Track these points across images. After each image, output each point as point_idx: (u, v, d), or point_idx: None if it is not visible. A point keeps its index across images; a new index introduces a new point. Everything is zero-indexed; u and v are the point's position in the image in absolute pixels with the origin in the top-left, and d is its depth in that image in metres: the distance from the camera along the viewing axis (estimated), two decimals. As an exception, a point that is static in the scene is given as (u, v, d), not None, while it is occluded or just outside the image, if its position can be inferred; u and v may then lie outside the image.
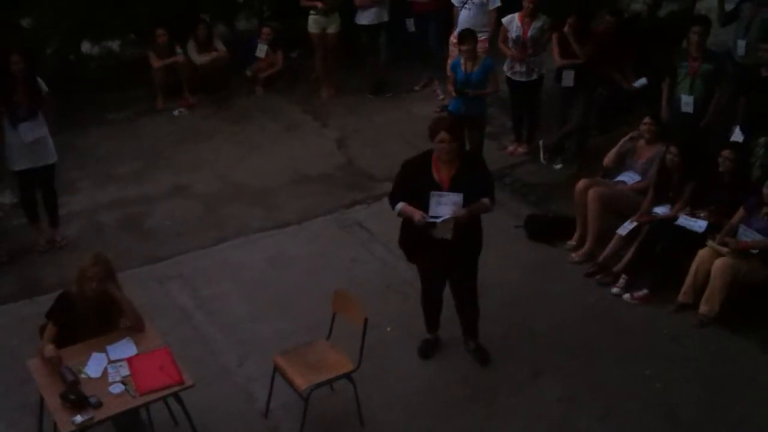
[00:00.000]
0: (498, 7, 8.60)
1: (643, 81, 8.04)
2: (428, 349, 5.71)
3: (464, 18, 8.74)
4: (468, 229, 5.07)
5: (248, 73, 9.87)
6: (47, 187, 6.86)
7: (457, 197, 4.92)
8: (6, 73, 6.32)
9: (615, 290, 6.28)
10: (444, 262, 5.25)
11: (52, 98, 6.64)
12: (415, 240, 5.20)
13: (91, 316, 4.64)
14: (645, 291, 6.20)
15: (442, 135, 4.88)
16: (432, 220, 4.94)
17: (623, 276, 6.29)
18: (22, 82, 6.37)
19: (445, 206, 4.94)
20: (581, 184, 6.78)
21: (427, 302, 5.63)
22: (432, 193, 4.94)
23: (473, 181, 4.99)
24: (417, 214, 4.96)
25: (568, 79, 7.77)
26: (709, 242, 5.97)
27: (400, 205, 5.08)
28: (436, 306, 5.63)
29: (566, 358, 5.66)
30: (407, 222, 5.15)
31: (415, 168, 5.10)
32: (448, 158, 4.96)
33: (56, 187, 6.93)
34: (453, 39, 8.94)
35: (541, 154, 8.12)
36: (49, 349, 4.47)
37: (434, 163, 5.03)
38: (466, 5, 8.73)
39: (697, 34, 6.96)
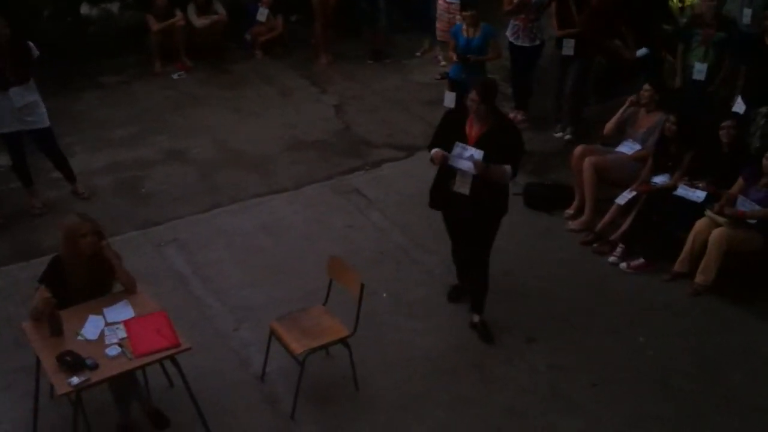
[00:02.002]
0: None
1: (644, 50, 7.97)
2: (456, 294, 5.87)
3: None
4: (487, 191, 5.15)
5: (247, 37, 9.79)
6: (51, 151, 6.88)
7: (477, 153, 5.04)
8: None
9: (612, 259, 6.29)
10: (460, 219, 5.39)
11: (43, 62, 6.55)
12: (439, 189, 5.39)
13: (83, 278, 4.63)
14: (641, 260, 6.21)
15: (472, 94, 5.08)
16: (451, 162, 5.10)
17: (620, 245, 6.30)
18: (9, 47, 6.30)
19: (465, 160, 5.08)
20: (578, 150, 6.78)
21: (454, 255, 5.76)
22: (456, 143, 5.11)
23: (499, 145, 5.08)
24: (439, 154, 5.17)
25: (569, 47, 7.71)
26: (708, 212, 5.96)
27: (433, 151, 5.27)
28: (460, 261, 5.75)
29: (559, 326, 5.69)
30: (438, 170, 5.34)
31: (453, 120, 5.32)
32: (478, 117, 5.12)
33: (60, 148, 6.96)
34: (441, 2, 8.86)
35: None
36: (42, 290, 4.45)
37: (470, 119, 5.20)
38: None
39: (712, 1, 6.98)
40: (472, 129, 5.17)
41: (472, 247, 5.48)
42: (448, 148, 5.14)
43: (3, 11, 6.44)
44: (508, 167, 5.11)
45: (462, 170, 5.12)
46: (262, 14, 9.67)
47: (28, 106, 6.49)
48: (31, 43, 6.48)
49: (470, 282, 5.66)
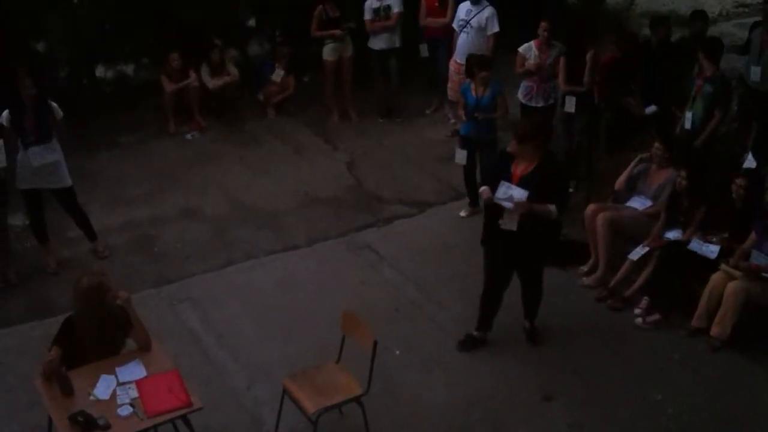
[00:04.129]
0: (496, 33, 8.65)
1: (652, 108, 8.04)
2: (469, 344, 5.88)
3: (463, 42, 8.78)
4: (533, 227, 5.24)
5: (260, 97, 9.94)
6: (72, 209, 6.96)
7: (520, 192, 5.15)
8: (18, 97, 6.37)
9: (637, 311, 6.24)
10: (507, 254, 5.52)
11: (63, 123, 6.69)
12: (488, 227, 5.49)
13: (95, 337, 4.64)
14: (656, 315, 6.16)
15: (512, 138, 5.27)
16: (496, 200, 5.25)
17: (645, 298, 6.25)
18: (33, 107, 6.42)
19: (507, 200, 5.19)
20: (590, 208, 6.77)
21: (485, 297, 5.78)
22: (502, 182, 5.24)
23: (543, 184, 5.17)
24: (486, 193, 5.33)
25: (570, 105, 7.78)
26: (723, 266, 5.94)
27: (482, 189, 5.44)
28: (492, 304, 5.78)
29: (577, 383, 5.62)
30: (487, 208, 5.49)
31: (504, 159, 5.46)
32: (522, 156, 5.26)
33: (81, 206, 7.06)
34: (452, 63, 8.98)
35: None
36: (53, 351, 4.47)
37: (517, 157, 5.33)
38: (464, 29, 8.78)
39: (702, 56, 7.09)
40: (518, 167, 5.30)
41: (526, 268, 5.63)
42: (497, 185, 5.29)
43: (30, 72, 6.57)
44: (552, 206, 5.20)
45: (508, 208, 5.23)
46: (278, 75, 9.81)
47: (50, 165, 6.57)
48: (55, 104, 6.59)
49: (524, 292, 5.81)
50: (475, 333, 5.88)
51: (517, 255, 5.50)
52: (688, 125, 7.18)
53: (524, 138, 5.22)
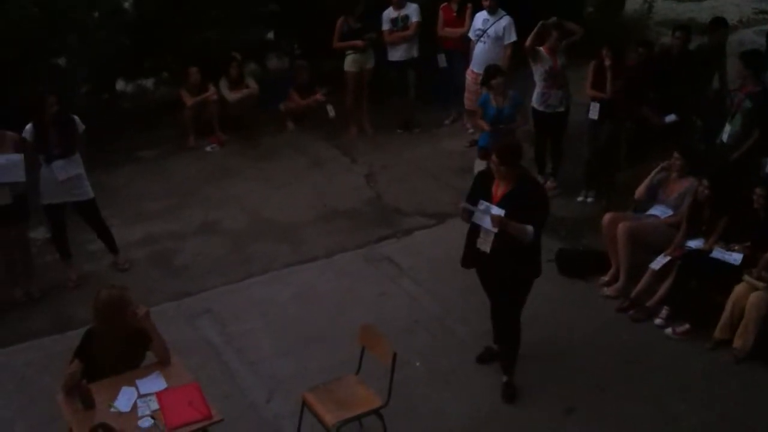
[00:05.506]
0: (513, 42, 8.63)
1: (672, 117, 7.99)
2: (487, 356, 5.85)
3: (479, 52, 8.79)
4: (508, 250, 5.13)
5: (281, 107, 9.96)
6: (94, 222, 7.03)
7: (496, 210, 5.07)
8: (41, 113, 6.45)
9: (658, 321, 6.20)
10: (486, 277, 5.47)
11: (84, 136, 6.77)
12: (469, 248, 5.42)
13: (116, 350, 4.66)
14: (687, 326, 6.10)
15: (493, 156, 5.18)
16: (471, 208, 5.19)
17: (665, 308, 6.20)
18: (56, 123, 6.50)
19: (486, 217, 5.12)
20: (607, 218, 6.74)
21: (492, 313, 5.68)
22: (481, 201, 5.18)
23: (522, 205, 5.08)
24: (463, 209, 5.28)
25: (594, 111, 7.76)
26: (746, 277, 5.87)
27: (461, 205, 5.36)
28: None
29: (599, 395, 5.57)
30: (468, 229, 5.40)
31: (483, 179, 5.39)
32: (500, 177, 5.20)
33: (103, 219, 7.13)
34: (469, 73, 8.98)
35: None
36: (74, 364, 4.50)
37: (496, 178, 5.27)
38: (481, 39, 8.78)
39: (740, 69, 7.01)
40: (497, 188, 5.23)
41: (500, 305, 5.46)
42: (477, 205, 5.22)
43: (54, 89, 6.66)
44: (529, 227, 5.07)
45: (484, 228, 5.16)
46: (331, 111, 9.78)
47: (74, 179, 6.65)
48: (77, 118, 6.68)
49: (500, 336, 5.62)
50: (494, 346, 5.84)
51: (492, 277, 5.39)
52: (725, 138, 7.08)
53: (506, 160, 5.09)
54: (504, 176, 5.16)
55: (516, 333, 5.46)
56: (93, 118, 8.27)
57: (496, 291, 5.46)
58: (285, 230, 7.79)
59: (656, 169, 6.76)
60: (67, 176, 6.60)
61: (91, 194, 6.85)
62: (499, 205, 5.10)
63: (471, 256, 5.42)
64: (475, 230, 5.30)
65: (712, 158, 7.10)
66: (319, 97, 9.76)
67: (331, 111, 9.73)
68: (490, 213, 5.07)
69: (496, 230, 5.07)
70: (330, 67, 10.06)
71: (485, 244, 5.21)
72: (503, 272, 5.26)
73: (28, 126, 6.51)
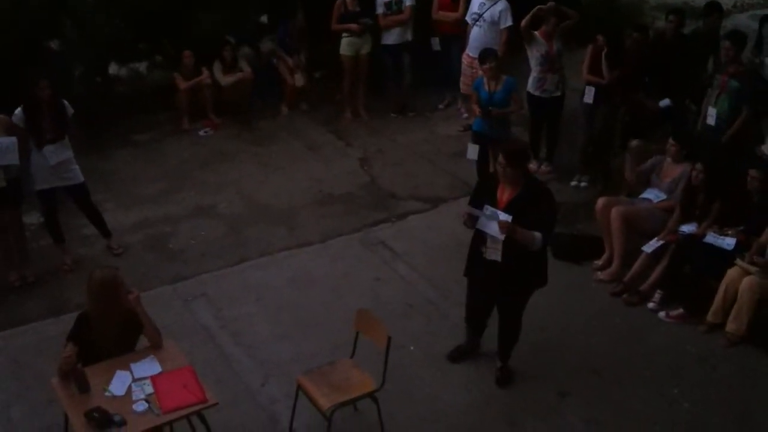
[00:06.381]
0: (509, 27, 8.61)
1: (666, 102, 7.98)
2: (457, 354, 5.77)
3: (476, 35, 8.76)
4: (518, 257, 4.98)
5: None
6: (85, 206, 7.00)
7: (504, 216, 4.86)
8: (33, 97, 6.41)
9: (651, 305, 6.24)
10: (489, 284, 5.25)
11: (73, 120, 6.73)
12: (472, 257, 5.26)
13: (111, 333, 4.66)
14: (680, 310, 6.14)
15: (500, 158, 4.97)
16: (476, 212, 4.97)
17: (658, 291, 6.23)
18: (48, 107, 6.47)
19: (492, 223, 4.91)
20: (600, 202, 6.76)
21: (468, 317, 5.66)
22: (486, 206, 4.95)
23: (530, 210, 4.90)
24: (465, 212, 5.14)
25: (590, 96, 7.76)
26: (738, 261, 5.90)
27: (463, 210, 5.29)
28: (474, 325, 5.68)
29: (592, 379, 5.60)
30: (472, 237, 5.24)
31: (487, 182, 5.25)
32: (506, 181, 4.99)
33: (94, 203, 7.09)
34: (465, 57, 8.96)
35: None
36: (68, 348, 4.49)
37: (501, 183, 5.07)
38: (477, 23, 8.75)
39: (727, 50, 6.93)
40: (503, 193, 5.02)
41: (505, 309, 5.38)
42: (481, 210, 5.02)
43: (44, 73, 6.62)
44: (538, 234, 4.90)
45: (491, 235, 4.96)
46: (299, 80, 9.80)
47: (65, 162, 6.62)
48: (65, 102, 6.64)
49: (500, 334, 5.56)
50: (465, 344, 5.78)
51: (499, 286, 5.18)
52: (711, 121, 7.07)
53: (515, 161, 4.90)
54: (510, 179, 4.95)
55: (517, 329, 5.45)
56: (87, 101, 8.26)
57: (499, 297, 5.32)
58: (280, 214, 7.78)
59: (651, 159, 6.77)
60: (59, 161, 6.57)
61: (82, 178, 6.83)
62: (506, 210, 4.89)
63: (476, 265, 5.24)
64: (479, 237, 5.10)
65: (704, 142, 7.10)
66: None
67: (299, 80, 9.69)
68: (497, 219, 4.85)
69: (503, 237, 4.87)
70: (325, 51, 10.00)
71: (494, 253, 5.00)
72: (512, 286, 5.14)
73: (18, 110, 6.47)
